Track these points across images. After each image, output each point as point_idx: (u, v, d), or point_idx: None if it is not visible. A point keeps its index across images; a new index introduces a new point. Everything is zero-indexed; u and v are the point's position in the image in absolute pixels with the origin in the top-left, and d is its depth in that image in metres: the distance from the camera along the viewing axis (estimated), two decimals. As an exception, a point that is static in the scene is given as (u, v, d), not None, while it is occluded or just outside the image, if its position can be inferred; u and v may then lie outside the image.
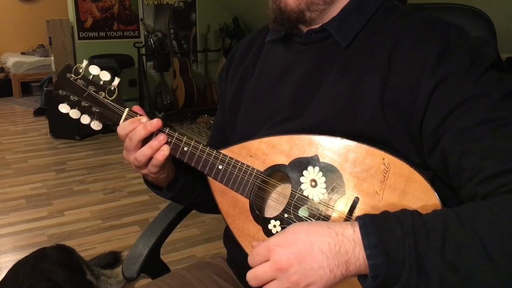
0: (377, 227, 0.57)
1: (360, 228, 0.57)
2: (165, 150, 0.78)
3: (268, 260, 0.60)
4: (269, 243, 0.60)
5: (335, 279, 0.58)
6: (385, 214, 0.59)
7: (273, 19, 0.80)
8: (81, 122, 0.84)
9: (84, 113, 0.84)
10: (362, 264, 0.57)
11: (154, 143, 0.78)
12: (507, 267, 0.53)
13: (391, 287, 0.57)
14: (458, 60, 0.66)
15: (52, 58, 4.47)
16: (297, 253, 0.58)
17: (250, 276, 0.62)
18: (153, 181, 0.86)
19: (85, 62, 0.83)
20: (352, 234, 0.57)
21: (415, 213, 0.58)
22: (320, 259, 0.57)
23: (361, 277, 0.59)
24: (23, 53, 6.12)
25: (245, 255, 0.76)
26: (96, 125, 0.84)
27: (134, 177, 3.19)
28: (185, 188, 0.90)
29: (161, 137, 0.78)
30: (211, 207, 0.85)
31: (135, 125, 0.78)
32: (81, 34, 4.46)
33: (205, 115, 4.55)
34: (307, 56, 0.81)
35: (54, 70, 4.54)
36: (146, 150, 0.78)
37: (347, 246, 0.57)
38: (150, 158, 0.79)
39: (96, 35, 4.54)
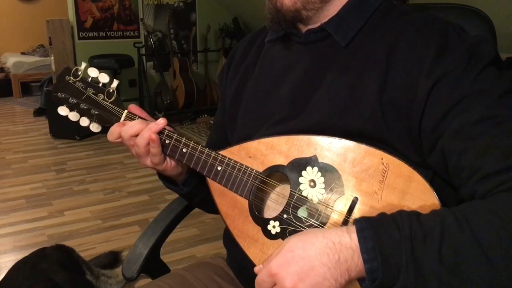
0: (373, 231, 0.57)
1: (357, 232, 0.58)
2: (163, 122, 0.79)
3: (275, 284, 0.60)
4: (270, 267, 0.60)
5: (341, 286, 0.58)
6: (382, 217, 0.59)
7: (270, 19, 0.80)
8: (80, 125, 0.84)
9: (83, 116, 0.84)
10: (362, 270, 0.57)
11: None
12: (505, 268, 0.53)
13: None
14: (456, 58, 0.66)
15: (52, 58, 4.47)
16: (299, 271, 0.58)
17: None
18: (168, 174, 0.87)
19: (83, 65, 0.83)
20: (349, 241, 0.58)
21: (412, 215, 0.58)
22: (323, 272, 0.57)
23: (361, 278, 0.59)
24: (23, 53, 6.12)
25: (245, 256, 0.77)
26: (95, 127, 0.84)
27: (134, 177, 3.19)
28: (200, 183, 0.90)
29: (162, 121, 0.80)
30: None
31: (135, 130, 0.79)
32: (81, 34, 4.46)
33: (205, 115, 4.55)
34: (306, 55, 0.81)
35: (54, 70, 4.54)
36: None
37: (345, 254, 0.57)
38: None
39: (96, 35, 4.53)
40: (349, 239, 0.58)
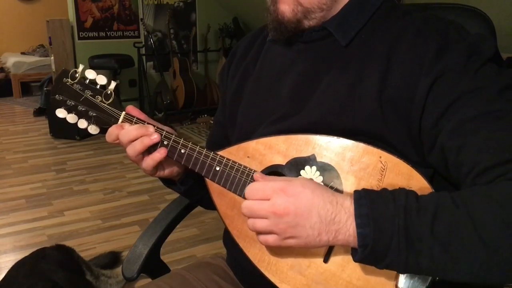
0: (370, 200, 0.59)
1: (354, 200, 0.60)
2: (162, 153, 0.78)
3: (269, 199, 0.62)
4: (276, 184, 0.63)
5: (319, 243, 0.61)
6: (381, 190, 0.62)
7: (273, 29, 0.80)
8: (78, 126, 0.84)
9: (81, 118, 0.84)
10: (351, 235, 0.59)
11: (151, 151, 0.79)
12: (497, 251, 0.53)
13: (381, 261, 0.58)
14: (456, 55, 0.66)
15: (52, 58, 4.47)
16: (297, 206, 0.61)
17: (246, 206, 0.65)
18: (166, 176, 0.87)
19: (81, 67, 0.83)
20: (349, 206, 0.60)
21: (411, 192, 0.60)
22: (314, 221, 0.60)
23: (353, 250, 0.62)
24: (23, 53, 6.12)
25: (244, 256, 0.77)
26: (93, 129, 0.84)
27: (134, 177, 3.19)
28: (198, 182, 0.89)
29: (162, 151, 0.78)
30: None
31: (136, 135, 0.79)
32: (81, 34, 4.46)
33: (205, 115, 4.55)
34: (307, 54, 0.81)
35: (54, 70, 4.54)
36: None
37: (341, 216, 0.60)
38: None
39: (96, 35, 4.54)
40: (349, 203, 0.60)
